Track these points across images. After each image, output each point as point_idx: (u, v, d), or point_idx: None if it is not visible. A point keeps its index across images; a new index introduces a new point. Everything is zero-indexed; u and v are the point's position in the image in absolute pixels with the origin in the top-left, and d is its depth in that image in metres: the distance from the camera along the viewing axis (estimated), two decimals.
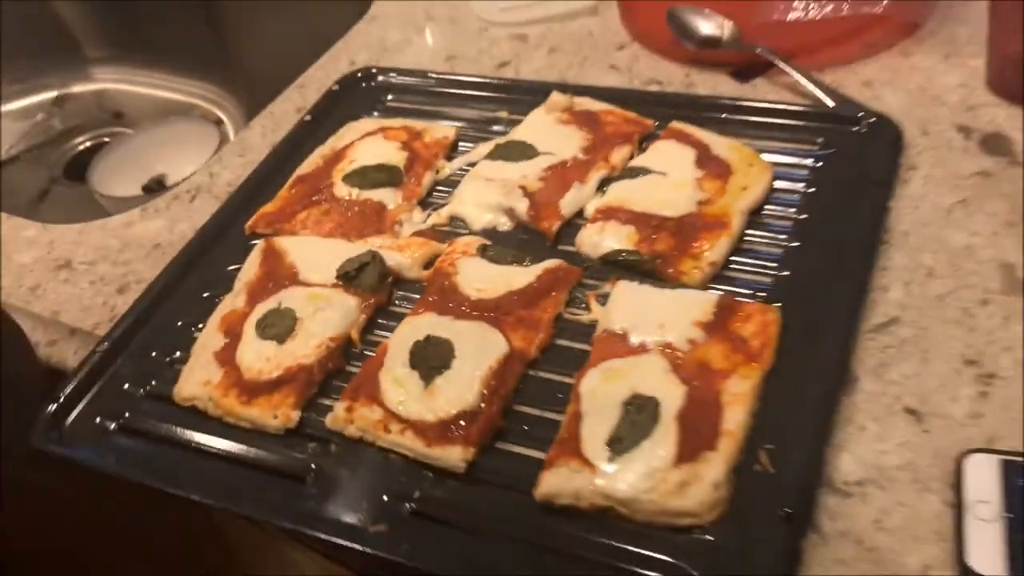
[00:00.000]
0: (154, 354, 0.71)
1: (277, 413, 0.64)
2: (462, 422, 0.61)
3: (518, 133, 0.82)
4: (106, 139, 1.49)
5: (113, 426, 0.67)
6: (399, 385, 0.63)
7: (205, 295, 0.74)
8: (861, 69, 0.83)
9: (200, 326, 0.72)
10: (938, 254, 0.67)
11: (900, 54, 0.84)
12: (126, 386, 0.69)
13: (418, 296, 0.70)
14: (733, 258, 0.69)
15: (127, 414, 0.67)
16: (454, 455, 0.59)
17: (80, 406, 0.68)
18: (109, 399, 0.68)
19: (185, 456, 0.64)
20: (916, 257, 0.67)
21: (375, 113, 0.90)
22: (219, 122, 1.43)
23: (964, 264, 0.66)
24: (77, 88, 1.59)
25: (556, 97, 0.84)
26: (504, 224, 0.75)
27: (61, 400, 0.68)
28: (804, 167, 0.74)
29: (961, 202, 0.70)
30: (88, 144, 1.50)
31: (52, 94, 1.58)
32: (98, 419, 0.67)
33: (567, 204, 0.75)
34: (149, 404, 0.68)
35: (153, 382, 0.69)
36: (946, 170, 0.72)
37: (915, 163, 0.73)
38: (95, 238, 0.85)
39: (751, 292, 0.66)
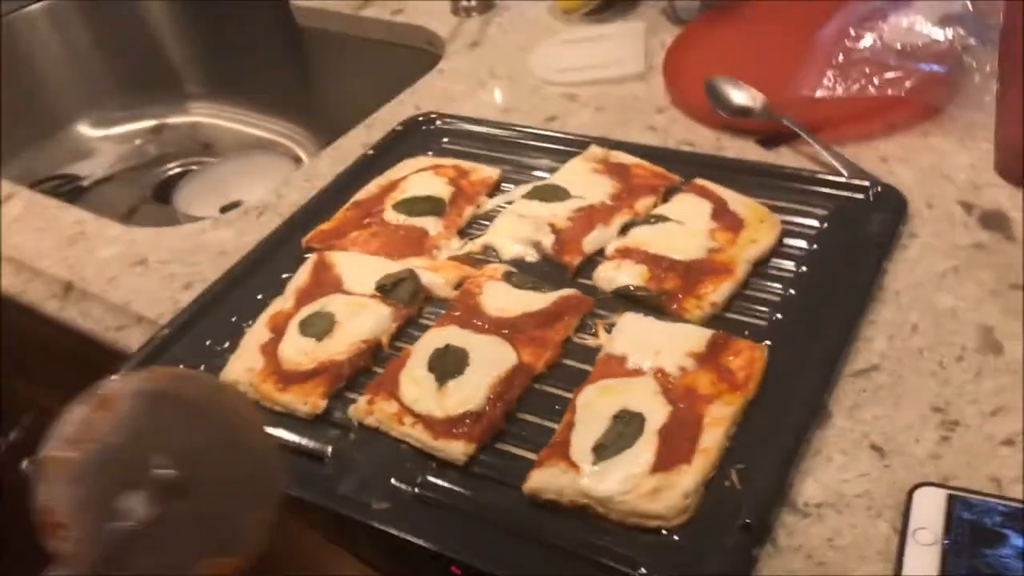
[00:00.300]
0: (207, 343, 0.80)
1: (307, 400, 0.72)
2: (467, 421, 0.67)
3: (555, 178, 0.90)
4: (193, 167, 1.62)
5: None
6: (416, 384, 0.71)
7: (259, 297, 0.83)
8: (880, 145, 0.89)
9: (250, 322, 0.80)
10: (924, 313, 0.72)
11: (919, 135, 0.90)
12: (179, 368, 0.78)
13: (445, 312, 0.78)
14: (735, 302, 0.75)
15: None
16: (456, 449, 0.66)
17: None
18: None
19: None
20: (903, 314, 0.72)
21: (430, 152, 0.98)
22: (297, 159, 1.55)
23: (947, 324, 0.71)
24: (173, 120, 1.73)
25: (594, 149, 0.92)
26: (531, 256, 0.82)
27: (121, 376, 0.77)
28: (812, 227, 0.80)
29: (953, 269, 0.75)
30: (177, 170, 1.63)
31: (151, 123, 1.73)
32: None
33: (589, 242, 0.82)
34: None
35: (203, 366, 0.78)
36: (943, 240, 0.78)
37: (916, 231, 0.79)
38: (170, 241, 0.95)
39: (745, 332, 0.72)
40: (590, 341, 0.74)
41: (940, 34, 0.93)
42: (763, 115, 0.93)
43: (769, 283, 0.76)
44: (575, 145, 0.94)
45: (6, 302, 0.97)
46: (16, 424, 1.33)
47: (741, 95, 0.95)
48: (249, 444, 0.53)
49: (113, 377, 0.52)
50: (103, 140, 1.71)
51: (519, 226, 0.84)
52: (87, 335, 0.88)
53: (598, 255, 0.82)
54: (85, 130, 1.70)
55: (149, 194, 1.58)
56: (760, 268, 0.77)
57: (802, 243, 0.79)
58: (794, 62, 0.98)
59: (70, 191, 1.56)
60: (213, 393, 0.55)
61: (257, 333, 0.79)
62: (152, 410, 0.50)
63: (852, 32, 0.97)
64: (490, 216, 0.88)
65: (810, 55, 0.97)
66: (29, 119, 1.61)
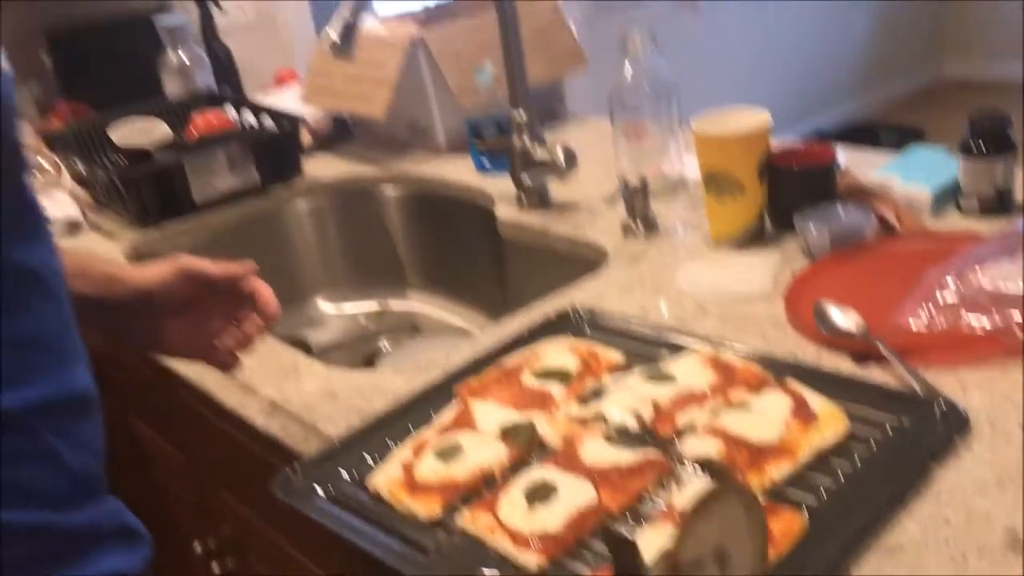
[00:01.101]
0: (365, 456, 1.00)
1: (427, 506, 0.90)
2: (544, 540, 0.83)
3: (667, 366, 1.06)
4: (401, 344, 1.91)
5: (322, 492, 0.96)
6: (512, 505, 0.87)
7: (411, 427, 1.04)
8: (962, 374, 0.99)
9: (399, 444, 1.00)
10: (959, 511, 0.81)
11: (999, 368, 0.99)
12: (339, 471, 0.99)
13: (550, 456, 0.95)
14: (793, 482, 0.87)
15: (332, 487, 0.96)
16: (531, 559, 0.81)
17: (308, 476, 0.99)
18: (326, 476, 0.98)
19: (359, 520, 0.91)
20: (940, 509, 0.81)
21: (571, 334, 1.18)
22: None
23: (978, 523, 0.79)
24: (394, 305, 2.05)
25: (707, 348, 1.08)
26: (632, 425, 0.98)
27: (297, 471, 0.99)
28: (878, 431, 0.91)
29: (998, 480, 0.83)
30: (387, 344, 1.93)
31: (374, 305, 2.05)
32: (315, 485, 0.97)
33: (682, 419, 0.97)
34: (349, 485, 0.97)
35: (356, 473, 0.98)
36: (996, 455, 0.86)
37: (972, 445, 0.88)
38: (358, 382, 1.18)
39: (792, 503, 0.83)
40: (662, 495, 0.88)
41: None
42: (861, 337, 1.06)
43: (827, 470, 0.87)
44: (693, 343, 1.11)
45: (227, 417, 1.23)
46: (214, 532, 1.58)
47: (843, 318, 1.09)
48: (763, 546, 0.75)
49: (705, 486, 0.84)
50: (334, 316, 2.04)
51: (627, 400, 1.01)
52: (280, 443, 1.11)
53: (688, 431, 0.96)
54: (321, 303, 2.04)
55: (360, 361, 1.87)
56: (823, 457, 0.89)
57: (865, 444, 0.90)
58: (900, 296, 1.11)
59: None
60: (757, 508, 0.76)
61: (402, 453, 0.99)
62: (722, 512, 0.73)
63: (954, 273, 1.10)
64: (607, 390, 1.05)
65: (914, 291, 1.10)
66: (280, 287, 1.96)
